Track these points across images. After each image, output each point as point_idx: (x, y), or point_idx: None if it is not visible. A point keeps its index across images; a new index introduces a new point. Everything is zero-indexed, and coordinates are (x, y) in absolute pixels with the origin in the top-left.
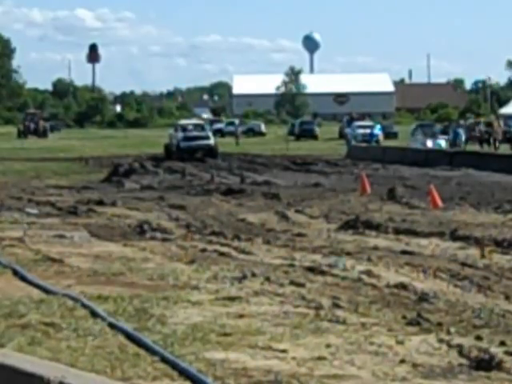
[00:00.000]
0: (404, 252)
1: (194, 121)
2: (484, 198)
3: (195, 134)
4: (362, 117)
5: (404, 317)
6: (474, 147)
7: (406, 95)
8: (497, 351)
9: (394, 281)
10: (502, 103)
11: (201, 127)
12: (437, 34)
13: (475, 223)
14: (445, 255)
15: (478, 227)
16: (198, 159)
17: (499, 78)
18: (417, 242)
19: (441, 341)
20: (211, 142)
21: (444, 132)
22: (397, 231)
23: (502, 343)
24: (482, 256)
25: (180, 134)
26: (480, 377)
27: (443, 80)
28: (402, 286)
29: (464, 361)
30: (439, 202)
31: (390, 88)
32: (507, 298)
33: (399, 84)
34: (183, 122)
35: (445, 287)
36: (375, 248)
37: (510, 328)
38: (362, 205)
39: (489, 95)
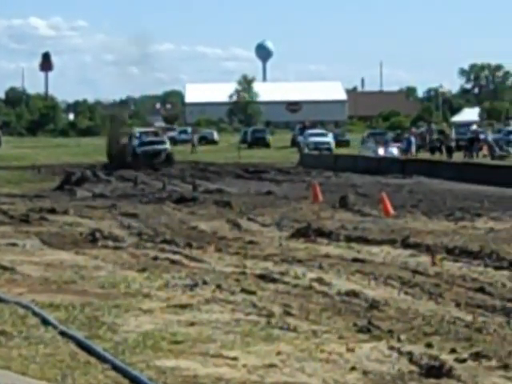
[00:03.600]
0: (355, 260)
1: (149, 129)
2: (435, 205)
3: (151, 139)
4: (315, 125)
5: (355, 324)
6: (426, 155)
7: (359, 103)
8: (447, 358)
9: (345, 288)
10: (454, 111)
11: (155, 133)
12: (389, 43)
13: (426, 231)
14: (396, 263)
15: (430, 235)
16: (155, 166)
17: (451, 86)
18: (368, 249)
19: (391, 348)
20: (167, 146)
21: (396, 140)
22: (348, 239)
23: (453, 350)
24: (434, 264)
25: (135, 141)
26: None
27: (396, 88)
28: (353, 294)
29: (414, 368)
30: (391, 210)
31: (343, 96)
32: (458, 305)
33: (352, 92)
34: (138, 129)
35: (396, 295)
36: (327, 256)
37: (460, 335)
38: (313, 213)
39: (441, 103)
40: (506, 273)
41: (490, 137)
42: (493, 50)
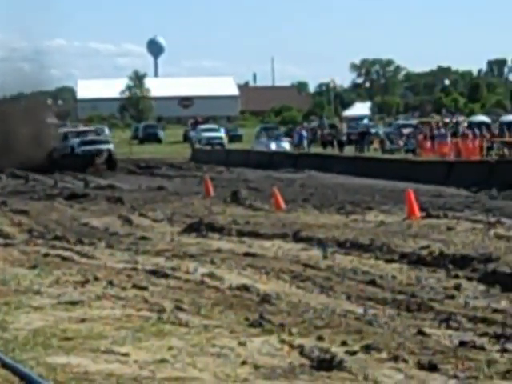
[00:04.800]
0: (247, 254)
1: (88, 127)
2: (327, 199)
3: (92, 138)
4: (207, 120)
5: (246, 318)
6: (318, 149)
7: (251, 98)
8: (338, 351)
9: (236, 283)
10: (346, 105)
11: (96, 132)
12: (281, 38)
13: (318, 224)
14: (287, 257)
15: (321, 228)
16: (96, 168)
17: (343, 80)
18: (260, 243)
19: (282, 341)
20: (111, 146)
21: (288, 134)
22: (240, 233)
23: (344, 343)
24: (325, 257)
25: (75, 140)
26: (321, 377)
27: (287, 83)
28: (245, 288)
29: (305, 361)
30: (282, 204)
31: (235, 91)
32: (349, 298)
33: (244, 87)
34: (73, 129)
35: (287, 288)
36: (218, 250)
37: (351, 328)
38: (205, 208)
39: (332, 98)
40: (396, 265)
41: (381, 131)
42: (384, 45)
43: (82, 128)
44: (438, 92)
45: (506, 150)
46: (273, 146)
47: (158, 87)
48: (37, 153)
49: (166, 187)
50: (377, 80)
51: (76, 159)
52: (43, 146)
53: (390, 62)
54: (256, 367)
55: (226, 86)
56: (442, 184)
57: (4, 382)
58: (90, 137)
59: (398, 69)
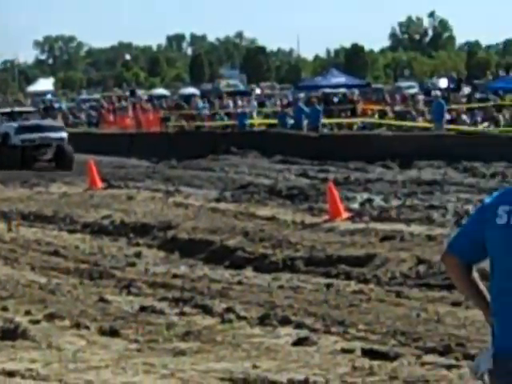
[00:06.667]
0: None
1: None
2: (8, 173)
3: (36, 121)
4: None
5: None
6: None
7: None
8: (22, 320)
9: None
10: (30, 81)
11: (45, 111)
12: None
13: (3, 198)
14: None
15: (6, 202)
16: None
17: (27, 57)
18: None
19: None
20: (64, 134)
21: None
22: None
23: (27, 312)
24: (10, 230)
25: (10, 124)
26: (6, 346)
27: None
28: None
29: None
30: None
31: None
32: (33, 268)
33: None
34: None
35: None
36: None
37: (35, 298)
38: None
39: (17, 74)
40: (79, 236)
41: (64, 105)
42: (66, 21)
43: (17, 108)
44: (119, 67)
45: (184, 122)
46: None
47: None
48: None
49: None
50: (60, 56)
51: (12, 152)
52: None
53: (72, 39)
54: None
55: None
56: (124, 156)
57: None
58: (33, 120)
59: (80, 45)
